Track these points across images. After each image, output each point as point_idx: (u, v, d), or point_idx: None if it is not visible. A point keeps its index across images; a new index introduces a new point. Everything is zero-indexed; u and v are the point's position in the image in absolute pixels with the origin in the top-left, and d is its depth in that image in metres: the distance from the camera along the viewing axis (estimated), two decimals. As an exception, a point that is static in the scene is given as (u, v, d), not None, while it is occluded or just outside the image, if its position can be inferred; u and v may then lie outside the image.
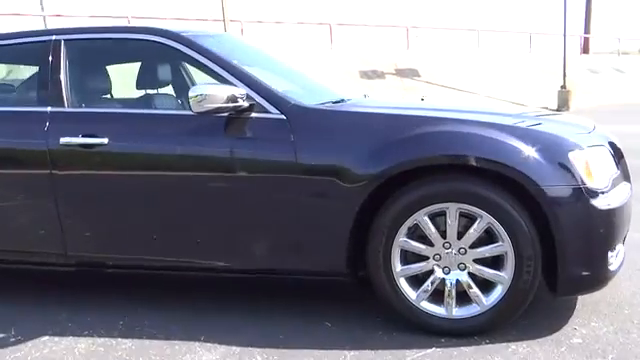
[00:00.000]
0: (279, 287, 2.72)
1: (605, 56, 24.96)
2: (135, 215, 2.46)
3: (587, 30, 25.07)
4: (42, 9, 13.62)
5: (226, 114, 2.27)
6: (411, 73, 17.37)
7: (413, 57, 17.90)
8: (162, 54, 2.68)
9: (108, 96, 2.81)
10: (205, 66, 2.43)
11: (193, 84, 2.79)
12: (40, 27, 12.46)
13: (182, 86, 2.82)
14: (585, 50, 24.87)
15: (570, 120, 2.69)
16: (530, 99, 16.43)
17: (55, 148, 2.43)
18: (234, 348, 2.21)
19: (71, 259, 2.55)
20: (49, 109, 2.51)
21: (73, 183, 2.47)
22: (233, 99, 2.23)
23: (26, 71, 3.00)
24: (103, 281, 2.95)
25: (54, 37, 2.63)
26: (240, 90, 2.27)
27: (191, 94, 2.19)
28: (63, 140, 2.43)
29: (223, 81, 2.37)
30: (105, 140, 2.39)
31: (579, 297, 2.47)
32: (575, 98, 16.23)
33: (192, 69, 2.83)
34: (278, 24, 15.99)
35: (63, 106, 2.52)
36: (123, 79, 2.93)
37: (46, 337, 2.36)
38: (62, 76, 2.55)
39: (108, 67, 2.83)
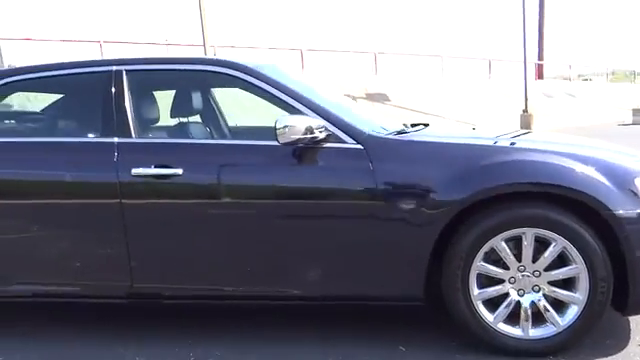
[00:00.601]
0: (351, 312, 2.75)
1: (557, 81, 26.34)
2: (208, 245, 2.45)
3: (540, 57, 26.38)
4: None
5: (303, 144, 2.33)
6: (381, 97, 17.79)
7: (382, 82, 18.35)
8: (228, 85, 2.71)
9: (172, 126, 2.80)
10: (277, 98, 2.48)
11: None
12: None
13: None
14: (539, 76, 26.12)
15: (619, 148, 2.88)
16: (494, 122, 17.11)
17: (126, 179, 2.41)
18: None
19: (137, 291, 2.52)
20: (116, 140, 2.50)
21: (144, 214, 2.45)
22: (311, 130, 2.29)
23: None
24: (159, 313, 2.90)
25: (114, 67, 2.62)
26: (318, 121, 2.34)
27: (278, 125, 2.24)
28: (135, 171, 2.41)
29: (294, 112, 2.43)
30: (179, 171, 2.39)
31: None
32: (535, 121, 17.00)
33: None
34: (251, 49, 16.11)
35: (130, 137, 2.51)
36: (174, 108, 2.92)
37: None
38: (127, 107, 2.55)
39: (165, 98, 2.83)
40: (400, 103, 17.50)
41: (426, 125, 2.88)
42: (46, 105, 2.88)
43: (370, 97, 17.82)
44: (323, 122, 2.35)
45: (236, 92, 2.65)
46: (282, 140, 2.25)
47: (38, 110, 2.95)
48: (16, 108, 2.90)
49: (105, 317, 2.90)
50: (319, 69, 17.38)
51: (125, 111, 2.54)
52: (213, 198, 2.43)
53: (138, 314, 2.88)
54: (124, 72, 2.61)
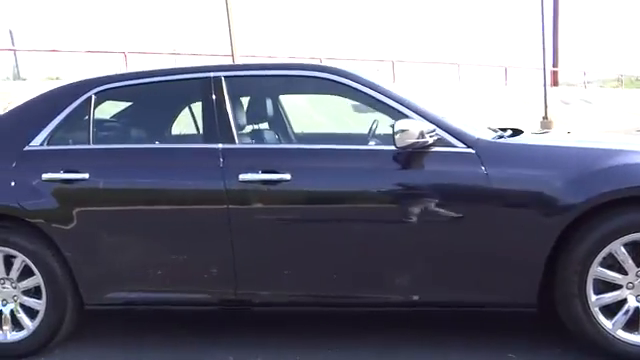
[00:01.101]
0: (455, 319, 2.72)
1: (573, 88, 26.24)
2: (315, 250, 2.42)
3: (555, 64, 26.32)
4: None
5: (416, 149, 2.30)
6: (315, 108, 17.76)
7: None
8: (327, 91, 2.70)
9: (273, 132, 2.79)
10: (382, 103, 2.46)
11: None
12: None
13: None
14: (555, 82, 26.04)
15: None
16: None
17: (233, 184, 2.40)
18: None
19: (240, 297, 2.49)
20: (220, 145, 2.48)
21: (250, 219, 2.43)
22: (423, 134, 2.27)
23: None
24: (256, 320, 2.88)
25: (213, 74, 2.61)
26: (429, 126, 2.31)
27: (396, 129, 2.22)
28: (242, 177, 2.39)
29: (399, 117, 2.41)
30: (287, 176, 2.37)
31: None
32: (555, 128, 16.93)
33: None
34: (271, 58, 16.13)
35: (234, 142, 2.50)
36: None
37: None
38: (229, 112, 2.54)
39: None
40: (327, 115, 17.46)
41: (520, 131, 2.84)
42: (135, 112, 2.87)
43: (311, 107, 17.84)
44: (433, 126, 2.33)
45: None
46: (399, 144, 2.23)
47: (133, 117, 2.94)
48: (110, 115, 2.90)
49: (196, 323, 2.88)
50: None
51: (227, 117, 2.53)
52: (322, 203, 2.41)
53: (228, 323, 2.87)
54: (223, 78, 2.60)
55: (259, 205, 2.42)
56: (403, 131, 2.22)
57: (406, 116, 2.39)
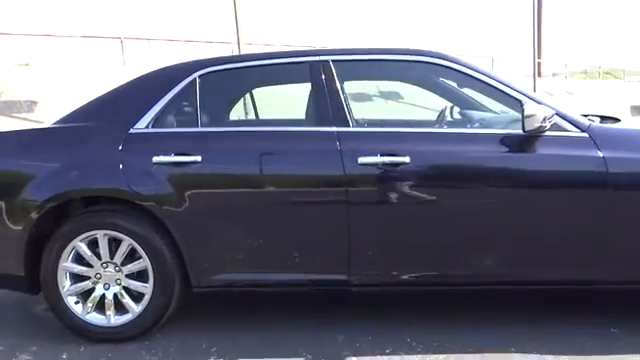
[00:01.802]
0: (558, 295, 2.82)
1: (555, 79, 26.78)
2: (431, 232, 2.47)
3: (539, 55, 26.78)
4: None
5: (537, 133, 2.38)
6: (394, 95, 17.88)
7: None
8: (434, 76, 2.74)
9: (384, 115, 2.81)
10: (496, 89, 2.53)
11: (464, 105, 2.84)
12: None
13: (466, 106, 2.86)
14: (538, 74, 26.51)
15: None
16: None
17: (352, 168, 2.42)
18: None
19: (353, 279, 2.53)
20: (335, 129, 2.50)
21: (368, 202, 2.46)
22: (545, 119, 2.34)
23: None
24: (365, 300, 2.93)
25: (321, 58, 2.63)
26: (550, 111, 2.38)
27: (526, 113, 2.28)
28: (362, 160, 2.42)
29: (512, 103, 2.48)
30: (407, 159, 2.41)
31: None
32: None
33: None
34: (267, 46, 16.02)
35: (348, 126, 2.52)
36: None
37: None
38: (341, 96, 2.56)
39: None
40: (412, 100, 17.61)
41: (617, 119, 2.93)
42: (239, 95, 2.86)
43: (383, 95, 17.93)
44: (552, 111, 2.39)
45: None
46: (527, 128, 2.30)
47: (238, 100, 2.92)
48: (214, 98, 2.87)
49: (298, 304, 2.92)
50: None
51: (340, 100, 2.55)
52: (442, 186, 2.45)
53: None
54: (331, 62, 2.62)
55: (378, 188, 2.45)
56: (531, 116, 2.28)
57: (520, 102, 2.45)
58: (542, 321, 2.61)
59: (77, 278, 2.65)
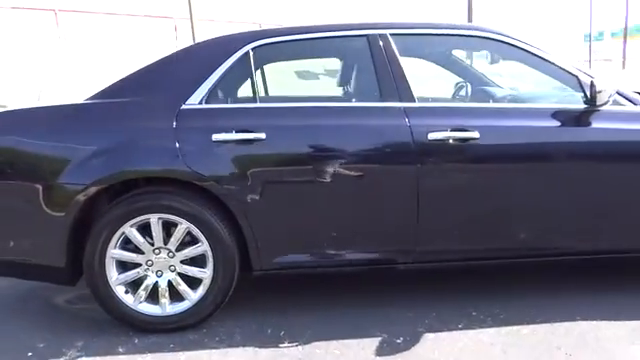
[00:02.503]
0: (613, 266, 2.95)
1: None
2: (500, 206, 2.50)
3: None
4: None
5: (603, 108, 2.46)
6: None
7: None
8: (496, 53, 2.75)
9: (446, 91, 2.78)
10: (557, 67, 2.57)
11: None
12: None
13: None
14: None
15: None
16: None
17: (422, 143, 2.40)
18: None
19: (419, 254, 2.52)
20: (402, 104, 2.46)
21: (438, 177, 2.44)
22: (611, 94, 2.42)
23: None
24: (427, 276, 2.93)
25: (378, 31, 2.56)
26: (614, 87, 2.46)
27: (598, 88, 2.34)
28: (432, 136, 2.40)
29: (569, 80, 2.55)
30: (476, 134, 2.41)
31: None
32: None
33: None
34: (211, 22, 15.46)
35: (413, 101, 2.48)
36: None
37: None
38: (404, 71, 2.51)
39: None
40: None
41: None
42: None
43: (329, 73, 17.93)
44: (615, 88, 2.48)
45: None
46: (598, 102, 2.37)
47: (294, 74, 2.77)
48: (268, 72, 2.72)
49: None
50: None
51: (403, 76, 2.50)
52: (512, 161, 2.47)
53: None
54: (389, 36, 2.56)
55: (448, 163, 2.44)
56: (601, 91, 2.35)
57: (579, 79, 2.51)
58: (606, 291, 2.71)
59: (125, 266, 2.47)
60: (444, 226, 2.50)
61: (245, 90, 2.59)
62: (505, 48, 2.62)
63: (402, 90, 2.49)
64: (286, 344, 2.37)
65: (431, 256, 2.56)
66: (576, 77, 2.52)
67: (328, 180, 2.43)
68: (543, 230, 2.53)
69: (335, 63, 3.29)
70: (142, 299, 2.47)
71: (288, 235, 2.47)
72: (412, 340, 2.35)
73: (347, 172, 2.43)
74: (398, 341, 2.34)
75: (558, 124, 2.48)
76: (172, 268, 2.47)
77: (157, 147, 2.38)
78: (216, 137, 2.38)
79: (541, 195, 2.48)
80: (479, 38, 2.62)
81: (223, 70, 2.49)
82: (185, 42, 14.80)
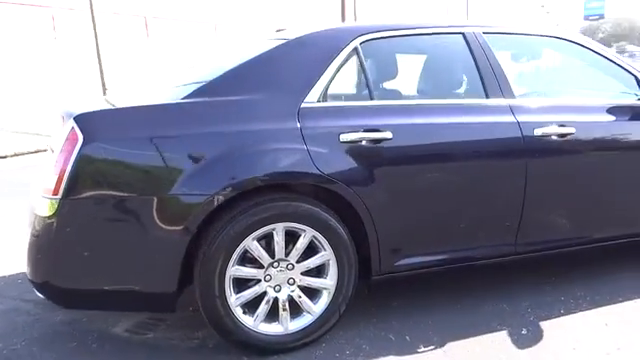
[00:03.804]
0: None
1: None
2: (602, 196, 2.70)
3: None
4: None
5: None
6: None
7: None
8: (570, 55, 2.90)
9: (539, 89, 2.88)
10: (624, 69, 2.82)
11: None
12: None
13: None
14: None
15: None
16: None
17: (530, 139, 2.47)
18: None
19: (519, 248, 2.60)
20: (507, 102, 2.51)
21: (544, 171, 2.53)
22: None
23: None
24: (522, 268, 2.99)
25: (473, 30, 2.60)
26: None
27: None
28: (538, 131, 2.49)
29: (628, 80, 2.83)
30: (573, 130, 2.55)
31: None
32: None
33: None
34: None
35: (514, 98, 2.54)
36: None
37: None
38: (504, 70, 2.56)
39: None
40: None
41: None
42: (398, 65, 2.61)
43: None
44: None
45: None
46: None
47: (397, 71, 2.62)
48: (380, 67, 2.54)
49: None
50: (162, 36, 16.18)
51: (503, 74, 2.55)
52: (605, 155, 2.67)
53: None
54: (483, 35, 2.59)
55: (552, 157, 2.55)
56: None
57: (637, 79, 2.80)
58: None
59: (241, 284, 2.21)
60: (544, 219, 2.62)
61: (357, 86, 2.44)
62: (578, 51, 2.81)
63: (504, 88, 2.54)
64: (422, 348, 2.31)
65: (529, 247, 2.66)
66: (634, 76, 2.81)
67: (447, 179, 2.41)
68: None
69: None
70: (262, 319, 2.23)
71: (409, 237, 2.40)
72: (536, 329, 2.43)
73: (468, 171, 2.43)
74: (524, 332, 2.41)
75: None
76: (291, 281, 2.26)
77: (288, 150, 2.16)
78: (344, 137, 2.22)
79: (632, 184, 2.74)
80: (561, 40, 2.79)
81: (336, 65, 2.33)
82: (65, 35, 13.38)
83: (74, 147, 2.00)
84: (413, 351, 2.29)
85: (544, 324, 2.48)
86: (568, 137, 2.56)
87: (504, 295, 2.75)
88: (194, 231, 2.06)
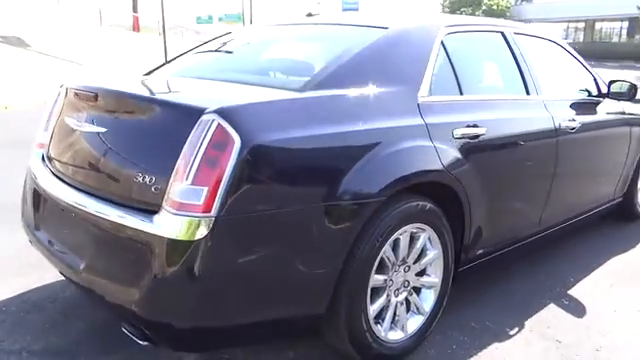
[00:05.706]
0: None
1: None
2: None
3: (135, 10, 26.78)
4: None
5: None
6: (18, 42, 14.86)
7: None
8: (555, 55, 3.22)
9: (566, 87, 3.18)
10: (585, 69, 3.31)
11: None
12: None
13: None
14: (135, 28, 26.54)
15: None
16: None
17: (560, 132, 2.78)
18: None
19: (541, 227, 2.90)
20: (540, 97, 2.75)
21: (567, 162, 2.86)
22: None
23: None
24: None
25: (506, 29, 2.79)
26: None
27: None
28: (563, 124, 2.81)
29: (588, 78, 3.34)
30: (577, 124, 2.93)
31: None
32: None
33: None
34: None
35: (542, 94, 2.80)
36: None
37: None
38: (534, 68, 2.80)
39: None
40: (42, 50, 14.98)
41: None
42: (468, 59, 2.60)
43: (6, 40, 14.57)
44: None
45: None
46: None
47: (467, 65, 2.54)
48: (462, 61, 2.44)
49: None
50: None
51: (533, 71, 2.79)
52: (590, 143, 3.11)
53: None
54: (513, 34, 2.80)
55: (575, 149, 2.91)
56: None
57: (594, 78, 3.34)
58: None
59: (373, 294, 2.03)
60: (563, 199, 2.97)
61: (448, 80, 2.38)
62: (562, 54, 3.22)
63: (537, 84, 2.80)
64: (516, 330, 2.43)
65: (547, 225, 2.98)
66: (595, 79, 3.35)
67: (524, 168, 2.62)
68: None
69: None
70: (388, 327, 2.10)
71: (490, 226, 2.48)
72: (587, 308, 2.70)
73: (533, 157, 2.67)
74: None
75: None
76: (406, 284, 2.17)
77: (424, 148, 2.06)
78: (457, 132, 2.20)
79: None
80: (554, 44, 3.17)
81: (434, 58, 2.27)
82: None
83: (227, 151, 1.58)
84: (504, 333, 2.42)
85: (584, 300, 2.77)
86: (575, 129, 2.94)
87: (537, 274, 3.01)
88: (352, 242, 1.83)
